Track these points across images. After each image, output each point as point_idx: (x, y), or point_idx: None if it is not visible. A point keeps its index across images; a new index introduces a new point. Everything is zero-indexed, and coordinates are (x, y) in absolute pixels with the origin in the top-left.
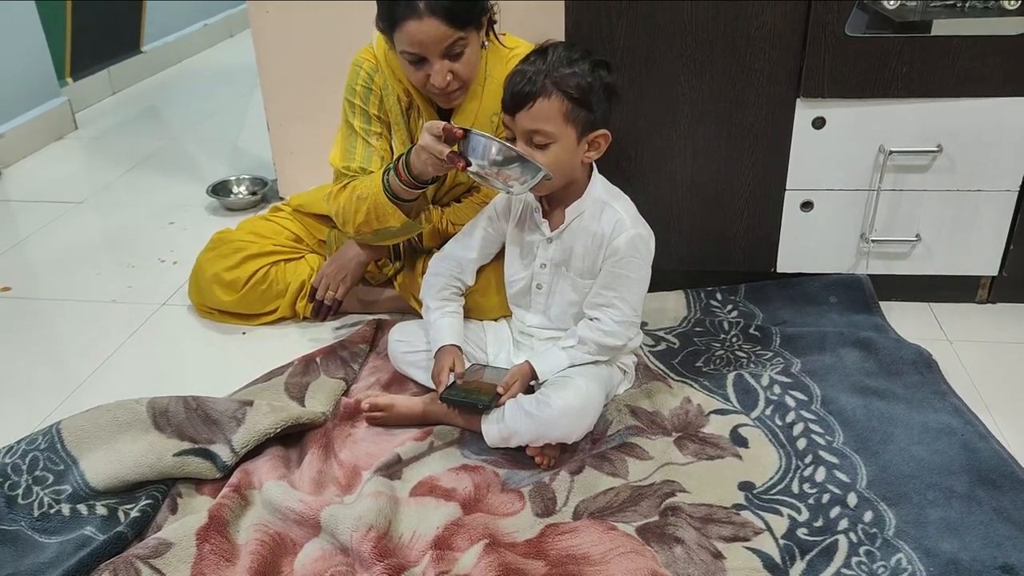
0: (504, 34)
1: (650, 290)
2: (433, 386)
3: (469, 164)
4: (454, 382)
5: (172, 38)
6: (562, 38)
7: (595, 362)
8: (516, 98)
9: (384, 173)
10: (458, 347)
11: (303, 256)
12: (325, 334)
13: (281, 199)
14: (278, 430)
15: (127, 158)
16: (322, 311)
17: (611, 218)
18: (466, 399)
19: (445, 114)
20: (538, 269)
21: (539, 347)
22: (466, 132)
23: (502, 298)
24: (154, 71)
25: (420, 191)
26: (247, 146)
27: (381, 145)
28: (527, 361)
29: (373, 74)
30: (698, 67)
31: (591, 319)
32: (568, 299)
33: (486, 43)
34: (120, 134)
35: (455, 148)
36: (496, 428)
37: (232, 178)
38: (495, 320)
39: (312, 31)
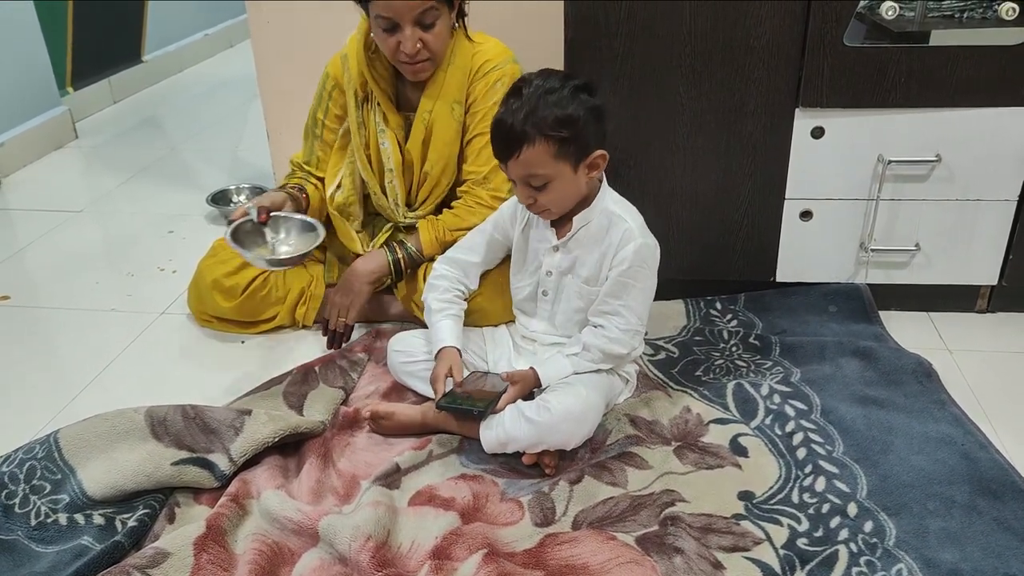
0: (476, 33)
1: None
2: (432, 395)
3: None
4: (452, 389)
5: (173, 48)
6: (561, 49)
7: (598, 370)
8: (501, 149)
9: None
10: (458, 350)
11: (303, 264)
12: (324, 343)
13: None
14: (276, 439)
15: (127, 167)
16: (336, 339)
17: (619, 228)
18: (461, 406)
19: (412, 103)
20: (544, 276)
21: (542, 352)
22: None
23: (507, 304)
24: (154, 80)
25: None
26: (247, 155)
27: (320, 145)
28: (532, 368)
29: (327, 79)
30: (697, 77)
31: (596, 326)
32: (574, 306)
33: (456, 25)
34: (120, 143)
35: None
36: (494, 433)
37: (232, 187)
38: (495, 327)
39: (311, 41)
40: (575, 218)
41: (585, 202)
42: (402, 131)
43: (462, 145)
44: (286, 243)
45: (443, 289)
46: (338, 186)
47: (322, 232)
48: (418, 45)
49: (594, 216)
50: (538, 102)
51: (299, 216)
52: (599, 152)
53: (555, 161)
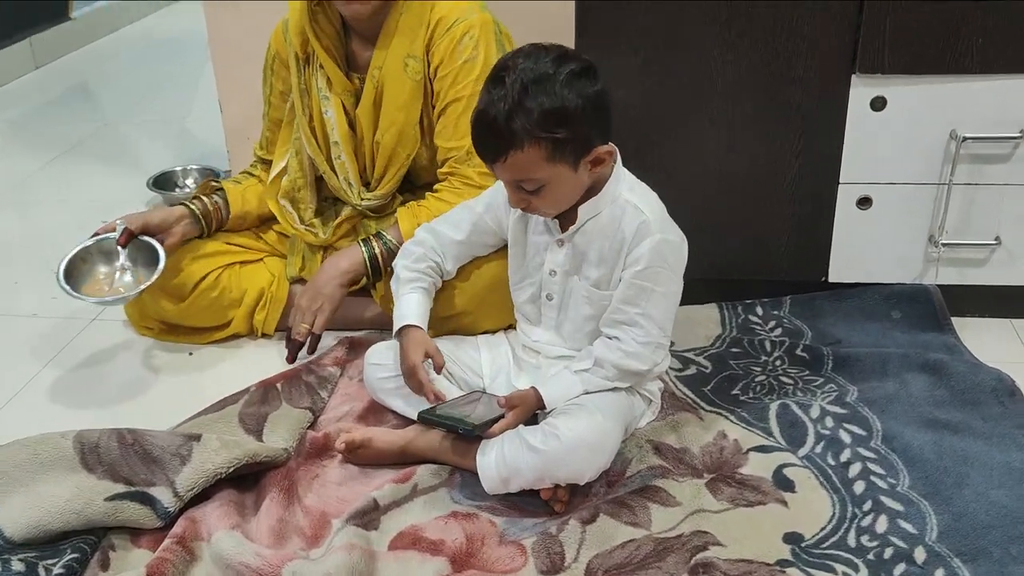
0: None
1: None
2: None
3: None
4: (437, 405)
5: (106, 3)
6: (571, 7)
7: (614, 389)
8: (485, 150)
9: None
10: (423, 330)
11: (262, 259)
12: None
13: None
14: (231, 470)
15: (52, 145)
16: (294, 351)
17: (633, 219)
18: (447, 421)
19: (355, 65)
20: (547, 276)
21: (547, 368)
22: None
23: (503, 304)
24: (85, 41)
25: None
26: (196, 130)
27: (268, 125)
28: (533, 387)
29: (268, 49)
30: (734, 36)
31: (610, 338)
32: (583, 313)
33: None
34: (44, 116)
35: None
36: (495, 466)
37: (178, 169)
38: (491, 334)
39: None
40: (581, 208)
41: (593, 190)
42: (351, 97)
43: (429, 113)
44: (133, 274)
45: (417, 257)
46: (284, 169)
47: (160, 267)
48: None
49: (604, 205)
50: (525, 93)
51: (151, 241)
52: (603, 148)
53: (549, 164)
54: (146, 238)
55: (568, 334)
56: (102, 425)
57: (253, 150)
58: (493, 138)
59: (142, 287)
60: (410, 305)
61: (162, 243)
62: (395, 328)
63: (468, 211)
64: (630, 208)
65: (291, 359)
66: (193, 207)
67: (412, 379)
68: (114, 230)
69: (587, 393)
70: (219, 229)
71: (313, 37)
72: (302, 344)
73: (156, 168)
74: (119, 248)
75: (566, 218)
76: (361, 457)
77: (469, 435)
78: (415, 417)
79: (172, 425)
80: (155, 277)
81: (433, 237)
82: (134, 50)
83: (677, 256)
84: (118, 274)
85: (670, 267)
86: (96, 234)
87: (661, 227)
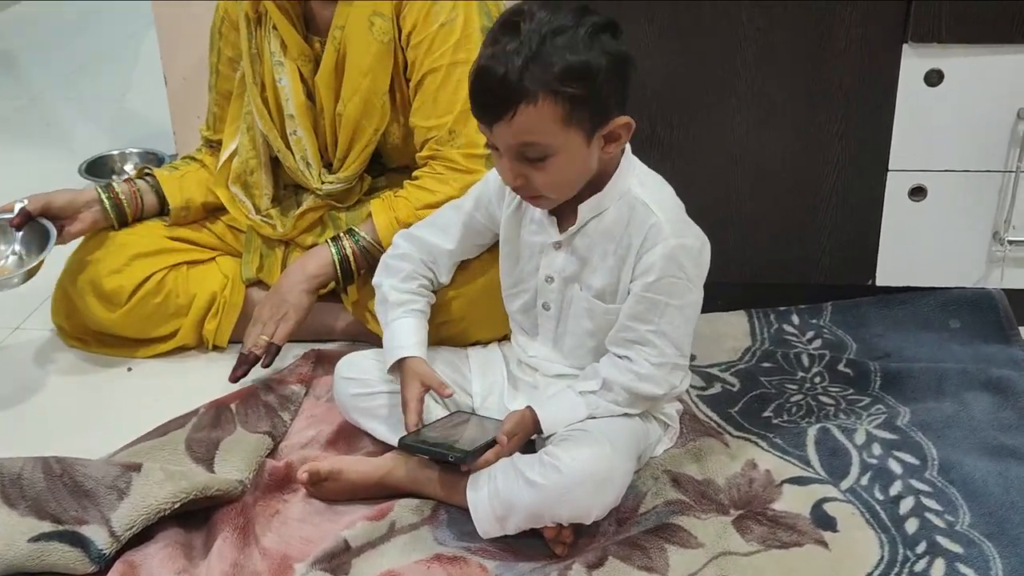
0: None
1: (701, 311)
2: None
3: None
4: (419, 429)
5: None
6: None
7: (624, 414)
8: (487, 108)
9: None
10: (423, 360)
11: (213, 258)
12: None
13: None
14: (176, 505)
15: None
16: (243, 366)
17: (643, 221)
18: (433, 448)
19: (315, 27)
20: (542, 283)
21: (544, 387)
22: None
23: (495, 315)
24: (7, 3)
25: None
26: (137, 107)
27: (215, 99)
28: (529, 407)
29: (216, 12)
30: (766, 0)
31: (620, 357)
32: (584, 328)
33: None
34: None
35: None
36: (488, 502)
37: (115, 152)
38: (483, 345)
39: None
40: (582, 206)
41: (596, 184)
42: (309, 63)
43: (402, 85)
44: (23, 261)
45: (406, 274)
46: (236, 150)
47: (46, 251)
48: None
49: (609, 202)
50: (543, 45)
51: (48, 224)
52: (622, 119)
53: (563, 128)
54: (44, 221)
55: (568, 349)
56: (25, 453)
57: (200, 131)
58: (501, 89)
59: (18, 272)
60: (405, 332)
61: (62, 229)
62: (388, 360)
63: (456, 212)
64: (639, 206)
65: (236, 378)
66: (102, 193)
67: (407, 415)
68: (11, 210)
69: (592, 418)
70: (138, 220)
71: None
72: (256, 360)
73: (90, 152)
74: (13, 231)
75: (564, 217)
76: (329, 492)
77: (459, 463)
78: (395, 442)
79: (108, 453)
80: (37, 261)
81: (420, 248)
82: (66, 14)
83: (696, 263)
84: (5, 259)
85: (687, 277)
86: None
87: (675, 230)
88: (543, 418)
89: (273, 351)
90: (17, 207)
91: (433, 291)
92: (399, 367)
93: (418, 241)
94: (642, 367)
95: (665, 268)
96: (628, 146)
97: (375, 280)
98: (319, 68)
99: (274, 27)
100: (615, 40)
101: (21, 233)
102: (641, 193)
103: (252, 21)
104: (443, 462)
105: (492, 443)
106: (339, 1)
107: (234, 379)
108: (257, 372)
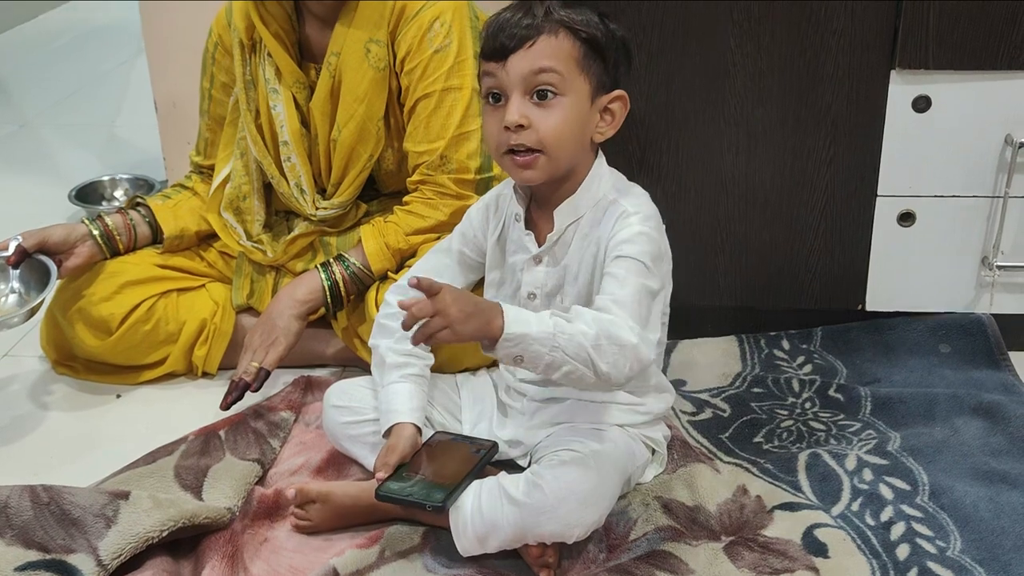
0: None
1: (690, 335)
2: None
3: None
4: (398, 468)
5: None
6: None
7: (594, 374)
8: (507, 39)
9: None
10: (418, 428)
11: (203, 285)
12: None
13: None
14: (164, 533)
15: None
16: (234, 392)
17: (612, 214)
18: (411, 497)
19: (309, 53)
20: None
21: (532, 412)
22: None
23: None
24: None
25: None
26: (127, 134)
27: (207, 123)
28: (498, 304)
29: (209, 37)
30: (754, 26)
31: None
32: None
33: None
34: None
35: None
36: (470, 521)
37: (105, 179)
38: (473, 372)
39: None
40: (558, 211)
41: (571, 183)
42: (304, 89)
43: (396, 111)
44: (23, 298)
45: (401, 335)
46: (229, 176)
47: (49, 289)
48: None
49: (585, 207)
50: (561, 7)
51: (46, 260)
52: (620, 92)
53: (576, 68)
54: (42, 257)
55: None
56: (12, 481)
57: (189, 157)
58: (524, 21)
59: (20, 311)
60: (401, 398)
61: (60, 264)
62: (383, 424)
63: (446, 254)
64: (612, 206)
65: (227, 404)
66: (92, 227)
67: (377, 474)
68: (6, 248)
69: (556, 348)
70: (131, 250)
71: (259, 21)
72: (247, 387)
73: (81, 178)
74: (9, 268)
75: (543, 230)
76: (318, 518)
77: (438, 512)
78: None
79: (95, 481)
80: (39, 299)
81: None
82: (57, 40)
83: (657, 259)
84: (4, 298)
85: (647, 263)
86: None
87: (642, 219)
88: (506, 311)
89: (263, 376)
90: (12, 244)
91: (431, 348)
92: (392, 431)
93: (408, 292)
94: (618, 317)
95: (628, 248)
96: (602, 156)
97: (371, 341)
98: (314, 94)
99: (268, 54)
100: (619, 27)
101: (18, 271)
102: (616, 196)
103: (246, 48)
104: (420, 510)
105: (472, 477)
106: (334, 27)
107: (225, 406)
108: (248, 398)
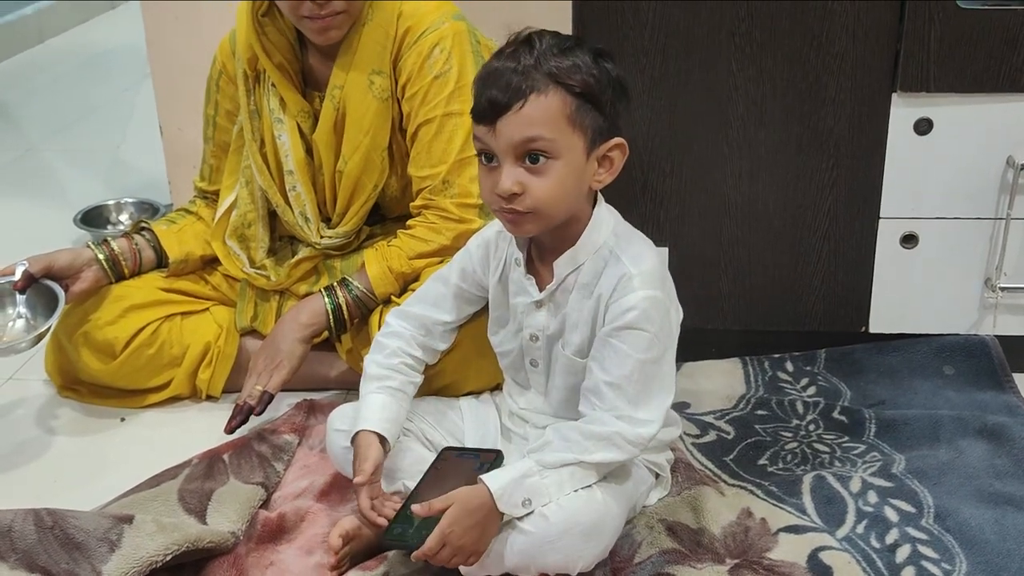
0: None
1: (695, 358)
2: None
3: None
4: (404, 505)
5: (30, 10)
6: (567, 15)
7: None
8: (495, 99)
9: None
10: (383, 439)
11: (207, 309)
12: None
13: None
14: (168, 557)
15: None
16: (238, 416)
17: (614, 273)
18: (412, 541)
19: (312, 82)
20: (528, 342)
21: (535, 438)
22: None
23: (482, 367)
24: (5, 55)
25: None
26: (132, 158)
27: (211, 150)
28: (480, 479)
29: (213, 64)
30: (756, 51)
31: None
32: (569, 383)
33: None
34: None
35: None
36: None
37: (111, 202)
38: (476, 396)
39: (221, 3)
40: (557, 263)
41: (571, 234)
42: (309, 118)
43: (399, 138)
44: (29, 324)
45: (390, 351)
46: (234, 203)
47: (56, 314)
48: None
49: (584, 257)
50: (552, 54)
51: (53, 285)
52: (618, 139)
53: (568, 127)
54: (49, 282)
55: (557, 403)
56: (16, 504)
57: (193, 182)
58: (513, 79)
59: (27, 337)
60: (371, 407)
61: (67, 289)
62: (351, 431)
63: (444, 285)
64: (612, 259)
65: (231, 428)
66: (97, 251)
67: (359, 501)
68: (13, 273)
69: (540, 473)
70: (136, 275)
71: (262, 53)
72: (251, 410)
73: (86, 202)
74: (16, 293)
75: (542, 277)
76: (356, 552)
77: None
78: (388, 491)
79: (99, 504)
80: (47, 325)
81: (413, 323)
82: (62, 65)
83: (664, 319)
84: (12, 323)
85: (653, 332)
86: None
87: (645, 282)
88: (493, 485)
89: (266, 399)
90: (19, 270)
91: (421, 369)
92: (355, 439)
93: (411, 317)
94: (596, 424)
95: (630, 319)
96: (603, 199)
97: (366, 359)
98: (317, 126)
99: (272, 84)
100: (614, 66)
101: (24, 296)
102: (616, 246)
103: (250, 77)
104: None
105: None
106: (337, 62)
107: (229, 430)
108: (252, 421)
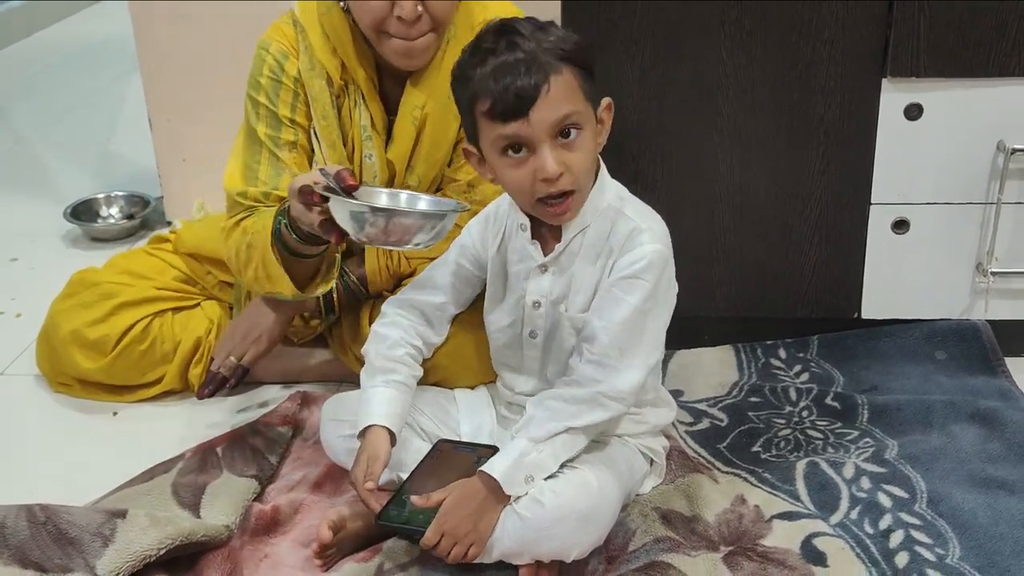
0: None
1: (687, 345)
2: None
3: (344, 235)
4: (399, 490)
5: (17, 3)
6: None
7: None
8: (524, 90)
9: (278, 214)
10: (391, 433)
11: (198, 304)
12: (228, 415)
13: (168, 224)
14: (162, 551)
15: None
16: (211, 384)
17: (623, 229)
18: (408, 524)
19: (392, 97)
20: (530, 310)
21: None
22: (324, 197)
23: (480, 359)
24: None
25: (321, 248)
26: (122, 151)
27: (295, 158)
28: (481, 471)
29: (283, 60)
30: (746, 37)
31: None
32: (568, 347)
33: None
34: None
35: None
36: None
37: (100, 196)
38: (471, 388)
39: None
40: (565, 224)
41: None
42: (384, 136)
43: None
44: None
45: (392, 342)
46: None
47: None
48: (419, 9)
49: (590, 218)
50: (538, 32)
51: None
52: (606, 100)
53: (584, 98)
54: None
55: (552, 377)
56: (8, 500)
57: (246, 192)
58: (530, 68)
59: (452, 211)
60: (379, 401)
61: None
62: (359, 424)
63: (443, 266)
64: (621, 217)
65: (204, 395)
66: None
67: (356, 489)
68: (319, 183)
69: (535, 448)
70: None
71: (356, 65)
72: (224, 381)
73: (75, 195)
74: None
75: (548, 240)
76: (345, 543)
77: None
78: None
79: (92, 499)
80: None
81: (410, 311)
82: (50, 57)
83: (666, 276)
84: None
85: (652, 283)
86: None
87: (654, 236)
88: (497, 471)
89: (240, 373)
90: (328, 177)
91: (422, 359)
92: (363, 434)
93: (407, 304)
94: (578, 372)
95: (636, 269)
96: (604, 165)
97: (364, 348)
98: (392, 144)
99: (362, 97)
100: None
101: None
102: (622, 206)
103: (334, 91)
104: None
105: None
106: (413, 81)
107: (201, 396)
108: (243, 416)
